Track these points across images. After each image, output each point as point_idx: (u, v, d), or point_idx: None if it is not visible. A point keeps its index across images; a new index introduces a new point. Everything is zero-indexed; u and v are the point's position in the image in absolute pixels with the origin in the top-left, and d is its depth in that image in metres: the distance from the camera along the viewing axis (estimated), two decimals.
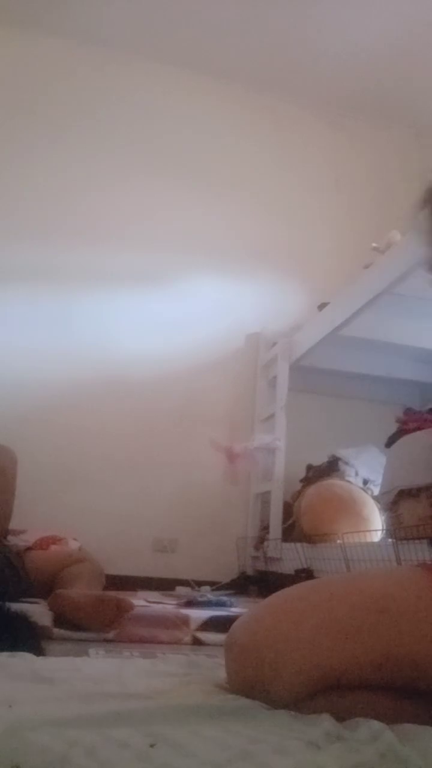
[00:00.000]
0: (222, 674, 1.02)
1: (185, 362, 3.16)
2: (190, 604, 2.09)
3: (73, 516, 2.75)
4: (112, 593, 1.84)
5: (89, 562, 2.09)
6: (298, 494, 2.74)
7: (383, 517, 2.26)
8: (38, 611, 1.63)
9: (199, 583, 2.82)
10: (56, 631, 1.60)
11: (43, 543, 2.43)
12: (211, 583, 2.83)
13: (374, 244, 2.56)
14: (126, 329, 3.15)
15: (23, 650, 1.18)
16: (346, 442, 2.82)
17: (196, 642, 1.68)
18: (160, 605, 2.03)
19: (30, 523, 2.51)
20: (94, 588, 1.93)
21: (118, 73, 3.41)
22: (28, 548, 2.22)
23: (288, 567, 2.44)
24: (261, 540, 2.85)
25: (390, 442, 2.59)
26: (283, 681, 0.80)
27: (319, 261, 3.41)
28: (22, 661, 1.13)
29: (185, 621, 1.73)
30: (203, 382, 3.17)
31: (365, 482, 2.64)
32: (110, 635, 1.63)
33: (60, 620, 1.64)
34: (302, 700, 0.79)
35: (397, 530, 1.87)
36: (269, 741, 0.68)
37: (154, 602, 2.06)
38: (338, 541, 2.07)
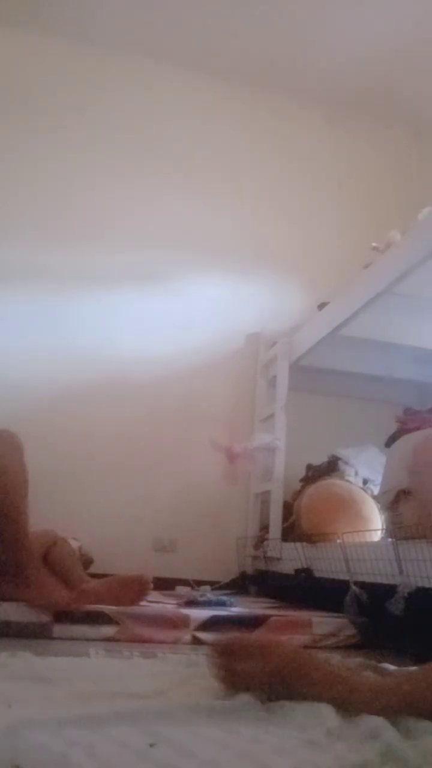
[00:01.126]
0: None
1: (185, 362, 3.16)
2: (190, 603, 2.09)
3: (73, 516, 2.75)
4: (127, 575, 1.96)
5: (61, 540, 2.09)
6: (298, 494, 2.74)
7: (383, 517, 2.26)
8: (37, 612, 1.63)
9: (199, 583, 2.82)
10: (56, 630, 1.60)
11: None
12: (211, 583, 2.84)
13: (374, 244, 2.56)
14: (125, 329, 3.15)
15: None
16: (346, 441, 2.82)
17: (196, 642, 1.68)
18: (160, 605, 2.03)
19: (30, 523, 2.50)
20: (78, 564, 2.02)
21: (117, 71, 3.41)
22: None
23: (288, 567, 2.44)
24: (261, 540, 2.85)
25: (390, 441, 2.60)
26: None
27: (319, 261, 3.41)
28: (22, 660, 1.13)
29: (185, 621, 1.73)
30: (203, 382, 3.17)
31: (365, 482, 2.64)
32: (111, 633, 1.64)
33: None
34: None
35: (397, 530, 1.87)
36: (269, 741, 0.68)
37: (154, 602, 2.06)
38: (338, 541, 2.07)
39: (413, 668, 0.83)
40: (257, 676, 0.85)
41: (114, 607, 1.74)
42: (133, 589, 1.89)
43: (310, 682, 0.82)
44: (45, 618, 1.61)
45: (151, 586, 1.96)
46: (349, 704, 0.78)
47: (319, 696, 0.80)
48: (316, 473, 2.77)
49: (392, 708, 0.77)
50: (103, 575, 2.14)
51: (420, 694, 0.79)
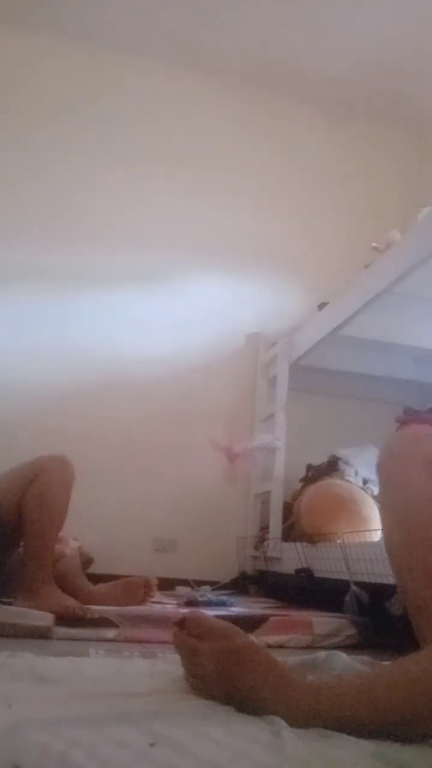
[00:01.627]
0: None
1: (185, 362, 3.16)
2: (190, 603, 2.09)
3: (74, 516, 2.73)
4: (133, 577, 2.04)
5: (69, 558, 2.11)
6: (298, 494, 2.74)
7: None
8: (36, 614, 1.63)
9: (199, 583, 2.82)
10: (56, 631, 1.60)
11: None
12: (211, 583, 2.84)
13: (374, 244, 2.56)
14: (125, 329, 3.15)
15: None
16: (345, 441, 2.82)
17: None
18: (160, 605, 2.04)
19: None
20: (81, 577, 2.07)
21: (118, 71, 3.41)
22: None
23: (288, 567, 2.44)
24: (261, 540, 2.85)
25: None
26: None
27: (319, 261, 3.41)
28: (22, 661, 1.13)
29: None
30: (203, 381, 3.17)
31: (365, 482, 2.64)
32: (112, 635, 1.64)
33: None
34: None
35: None
36: (267, 741, 0.68)
37: (154, 602, 2.06)
38: (338, 541, 2.07)
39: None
40: (207, 655, 0.85)
41: (113, 608, 1.75)
42: (139, 592, 1.97)
43: (251, 670, 0.80)
44: (46, 621, 1.61)
45: (156, 588, 2.03)
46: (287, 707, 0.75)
47: (256, 689, 0.78)
48: (316, 473, 2.77)
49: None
50: (103, 575, 2.15)
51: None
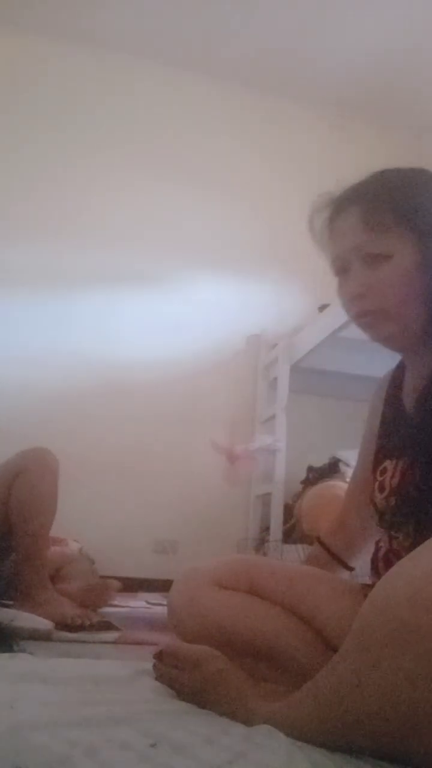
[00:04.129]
0: None
1: (186, 364, 3.16)
2: None
3: (74, 517, 2.74)
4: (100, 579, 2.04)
5: (79, 562, 2.11)
6: (299, 496, 2.74)
7: None
8: (36, 618, 1.63)
9: None
10: (56, 633, 1.61)
11: None
12: None
13: None
14: (126, 331, 3.15)
15: None
16: (346, 443, 2.81)
17: None
18: (161, 607, 2.03)
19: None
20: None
21: (119, 74, 3.41)
22: None
23: None
24: (262, 541, 2.85)
25: None
26: None
27: (320, 263, 3.40)
28: (24, 662, 1.13)
29: None
30: (204, 383, 3.17)
31: None
32: (113, 638, 1.64)
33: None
34: None
35: None
36: (265, 743, 0.68)
37: (154, 604, 2.06)
38: None
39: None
40: (185, 685, 0.89)
41: (114, 611, 1.75)
42: (101, 593, 1.97)
43: (223, 701, 0.83)
44: (46, 625, 1.61)
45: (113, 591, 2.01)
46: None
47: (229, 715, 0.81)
48: (317, 475, 2.77)
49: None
50: (104, 577, 2.15)
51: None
